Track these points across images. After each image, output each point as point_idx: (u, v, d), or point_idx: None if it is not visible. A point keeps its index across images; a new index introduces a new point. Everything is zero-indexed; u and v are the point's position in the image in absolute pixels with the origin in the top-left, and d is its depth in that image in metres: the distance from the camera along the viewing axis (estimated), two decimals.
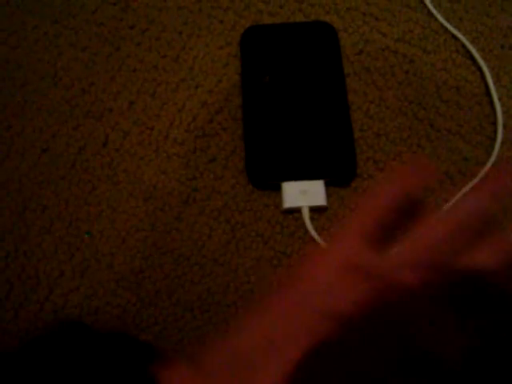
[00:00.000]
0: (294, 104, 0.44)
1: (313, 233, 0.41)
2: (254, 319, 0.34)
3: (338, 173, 0.42)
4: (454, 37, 0.48)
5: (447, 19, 0.48)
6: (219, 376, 0.32)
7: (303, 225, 0.42)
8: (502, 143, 0.44)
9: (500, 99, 0.45)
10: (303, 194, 0.42)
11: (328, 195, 0.42)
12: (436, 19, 0.49)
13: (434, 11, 0.49)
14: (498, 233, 0.34)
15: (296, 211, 0.42)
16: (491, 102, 0.45)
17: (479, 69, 0.47)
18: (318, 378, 0.32)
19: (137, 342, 0.38)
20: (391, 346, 0.32)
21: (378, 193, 0.35)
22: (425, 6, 0.49)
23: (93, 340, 0.34)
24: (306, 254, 0.41)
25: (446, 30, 0.48)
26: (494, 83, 0.46)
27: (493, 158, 0.43)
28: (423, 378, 0.32)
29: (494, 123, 0.45)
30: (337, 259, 0.34)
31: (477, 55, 0.47)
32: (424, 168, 0.35)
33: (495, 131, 0.44)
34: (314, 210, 0.42)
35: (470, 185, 0.43)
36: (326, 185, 0.42)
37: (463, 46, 0.48)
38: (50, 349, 0.32)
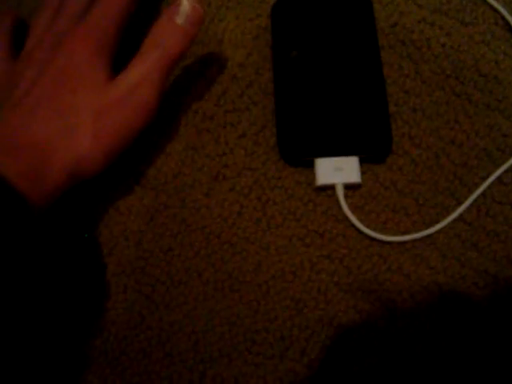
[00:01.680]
0: (327, 78, 0.43)
1: (347, 211, 0.40)
2: None
3: (373, 149, 0.41)
4: (492, 8, 0.46)
5: None
6: None
7: (337, 202, 0.41)
8: None
9: None
10: (337, 171, 0.40)
11: (362, 172, 0.41)
12: None
13: None
14: None
15: (329, 188, 0.41)
16: None
17: None
18: None
19: None
20: None
21: None
22: None
23: None
24: None
25: (485, 1, 0.46)
26: None
27: None
28: None
29: None
30: None
31: None
32: None
33: None
34: (348, 187, 0.41)
35: (510, 162, 0.41)
36: (361, 161, 0.41)
37: (502, 18, 0.46)
38: None
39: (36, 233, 0.35)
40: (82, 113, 0.38)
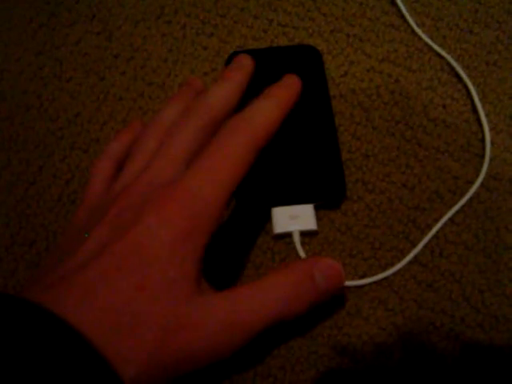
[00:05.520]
0: (281, 128, 0.44)
1: (304, 257, 0.41)
2: None
3: (328, 196, 0.42)
4: (438, 55, 0.48)
5: (431, 37, 0.49)
6: None
7: (294, 250, 0.41)
8: (491, 160, 0.44)
9: (487, 116, 0.45)
10: (293, 219, 0.41)
11: (318, 219, 0.42)
12: (420, 38, 0.49)
13: (418, 30, 0.49)
14: None
15: (287, 236, 0.42)
16: (478, 119, 0.45)
17: (465, 86, 0.47)
18: None
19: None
20: None
21: None
22: (408, 25, 0.49)
23: None
24: None
25: (431, 48, 0.48)
26: (480, 100, 0.46)
27: (482, 176, 0.43)
28: None
29: (482, 140, 0.45)
30: None
31: (462, 73, 0.47)
32: None
33: (483, 148, 0.44)
34: (305, 234, 0.42)
35: (460, 203, 0.42)
36: (316, 208, 0.42)
37: (448, 64, 0.48)
38: None
39: None
40: (143, 319, 0.28)
